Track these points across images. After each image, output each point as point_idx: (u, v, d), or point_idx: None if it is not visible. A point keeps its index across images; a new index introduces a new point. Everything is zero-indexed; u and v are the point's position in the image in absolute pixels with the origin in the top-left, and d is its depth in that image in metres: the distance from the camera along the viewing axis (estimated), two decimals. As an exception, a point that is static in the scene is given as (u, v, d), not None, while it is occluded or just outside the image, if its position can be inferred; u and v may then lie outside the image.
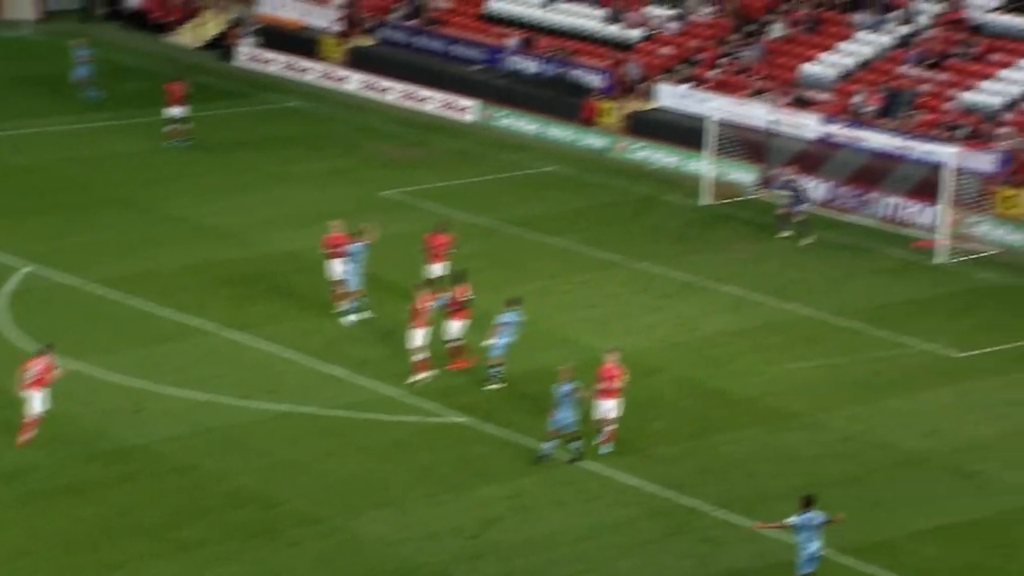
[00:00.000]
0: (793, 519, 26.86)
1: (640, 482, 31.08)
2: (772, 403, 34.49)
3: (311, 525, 29.24)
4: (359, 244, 38.21)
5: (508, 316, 34.93)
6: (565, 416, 31.14)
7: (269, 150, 51.44)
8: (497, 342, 34.67)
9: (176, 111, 51.22)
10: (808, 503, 26.96)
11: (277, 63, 59.90)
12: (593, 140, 52.51)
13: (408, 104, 56.41)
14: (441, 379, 34.84)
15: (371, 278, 39.13)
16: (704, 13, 55.67)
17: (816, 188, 46.98)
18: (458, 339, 35.40)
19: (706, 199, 47.18)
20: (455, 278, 36.57)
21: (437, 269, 39.08)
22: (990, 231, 44.10)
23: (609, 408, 31.62)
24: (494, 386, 34.63)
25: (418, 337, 34.58)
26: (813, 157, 47.68)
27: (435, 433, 32.91)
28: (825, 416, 33.94)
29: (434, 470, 31.32)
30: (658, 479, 31.13)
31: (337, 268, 38.19)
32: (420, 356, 34.61)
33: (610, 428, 31.78)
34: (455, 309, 35.34)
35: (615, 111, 53.38)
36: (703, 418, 33.84)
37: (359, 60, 59.19)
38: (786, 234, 44.42)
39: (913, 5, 52.18)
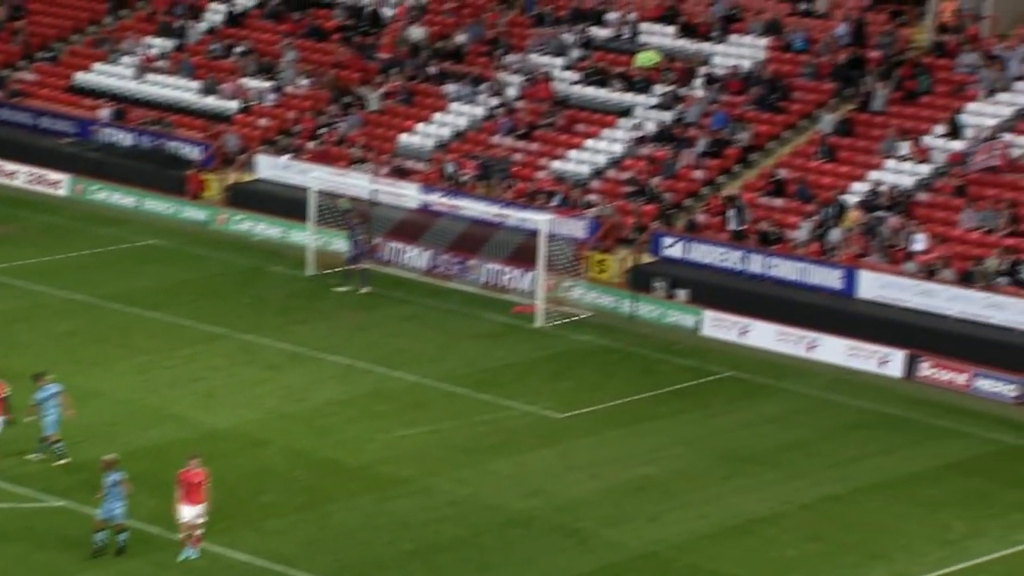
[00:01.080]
0: None
1: (250, 557, 30.86)
2: (382, 470, 34.84)
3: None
4: None
5: (47, 389, 33.91)
6: (112, 507, 30.30)
7: None
8: (45, 419, 33.71)
9: None
10: None
11: None
12: (194, 212, 52.08)
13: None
14: (35, 463, 33.73)
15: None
16: (300, 85, 56.08)
17: (419, 256, 47.90)
18: None
19: (311, 269, 47.40)
20: None
21: None
22: (584, 295, 45.76)
23: (195, 514, 30.47)
24: (62, 462, 33.75)
25: None
26: (413, 226, 48.56)
27: (33, 519, 31.86)
28: (434, 481, 34.48)
29: (33, 557, 30.33)
30: (268, 553, 30.98)
31: None
32: None
33: (197, 533, 30.60)
34: None
35: (215, 183, 53.13)
36: (314, 489, 33.89)
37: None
38: (345, 288, 45.45)
39: (503, 77, 53.88)
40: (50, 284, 45.35)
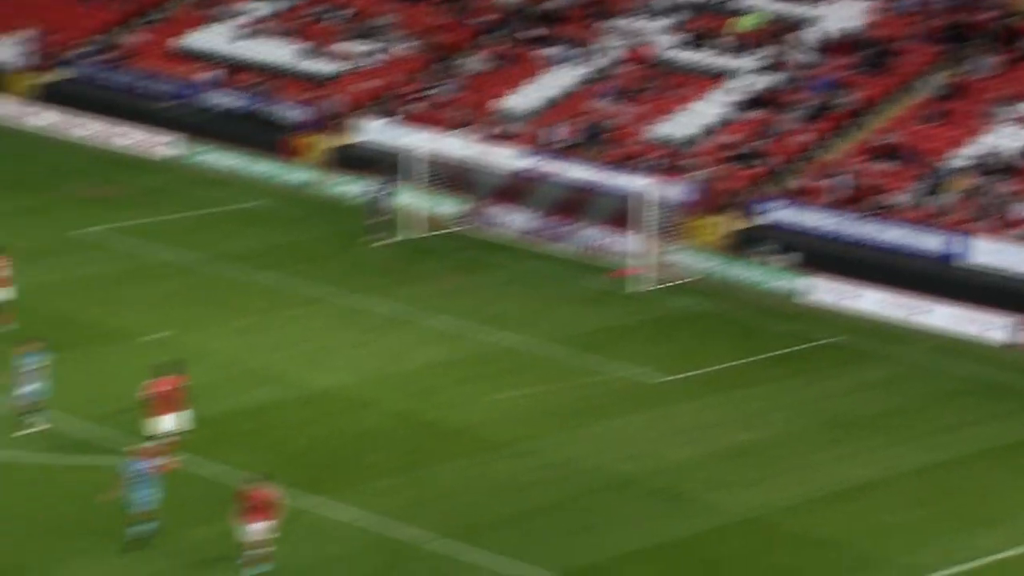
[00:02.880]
0: None
1: (356, 516, 31.06)
2: (482, 433, 34.91)
3: (17, 574, 28.36)
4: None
5: (29, 360, 33.62)
6: (144, 495, 29.39)
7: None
8: (24, 389, 33.41)
9: None
10: None
11: (-37, 99, 58.11)
12: (296, 175, 52.37)
13: (103, 140, 55.33)
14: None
15: (66, 319, 38.49)
16: (403, 47, 56.16)
17: (519, 220, 47.89)
18: (172, 434, 32.59)
19: (413, 233, 47.52)
20: (171, 367, 33.45)
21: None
22: (684, 259, 45.51)
23: (257, 530, 28.87)
24: (29, 431, 33.34)
25: None
26: (514, 189, 48.54)
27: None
28: (533, 444, 34.51)
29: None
30: (374, 513, 31.15)
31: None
32: None
33: (259, 552, 28.90)
34: (166, 402, 32.60)
35: (318, 145, 53.38)
36: (415, 450, 34.03)
37: (50, 96, 57.82)
38: (382, 241, 45.84)
39: (605, 40, 53.62)
40: (154, 245, 45.81)
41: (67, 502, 31.02)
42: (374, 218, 46.74)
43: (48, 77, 58.68)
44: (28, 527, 30.00)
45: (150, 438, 32.31)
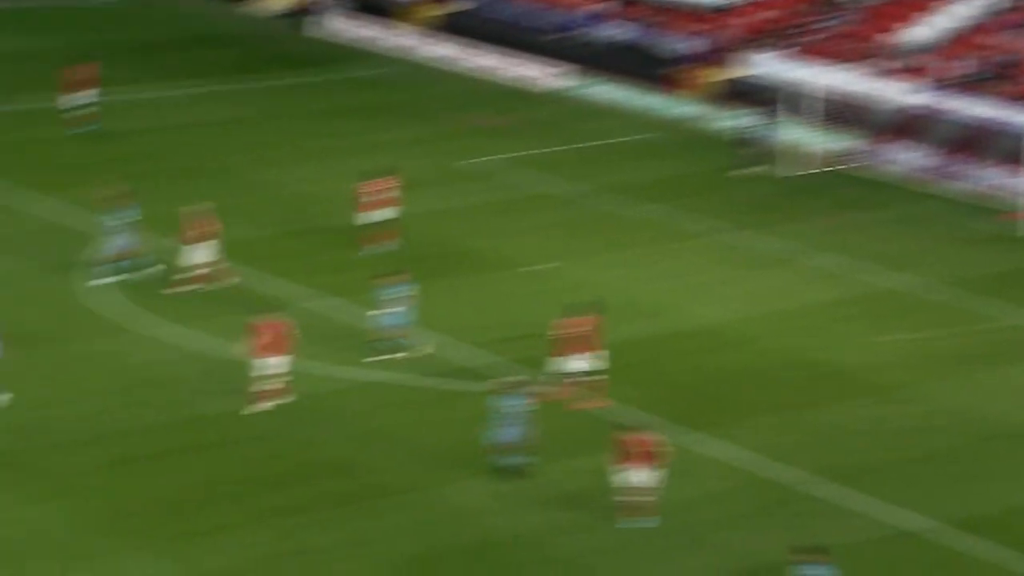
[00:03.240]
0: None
1: (732, 455, 30.59)
2: (865, 376, 33.92)
3: (401, 494, 29.04)
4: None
5: (393, 290, 33.78)
6: (510, 432, 29.29)
7: (355, 119, 51.30)
8: (380, 314, 33.67)
9: (80, 97, 48.03)
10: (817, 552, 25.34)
11: (363, 31, 59.76)
12: (682, 108, 51.91)
13: (495, 72, 56.07)
14: (535, 349, 34.06)
15: (451, 246, 38.81)
16: (795, -21, 54.93)
17: (910, 157, 46.32)
18: (581, 373, 32.23)
19: (799, 169, 46.52)
20: (587, 307, 33.06)
21: (377, 216, 39.24)
22: (1089, 202, 43.19)
23: (640, 479, 28.04)
24: (380, 357, 33.56)
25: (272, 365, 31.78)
26: (907, 125, 46.95)
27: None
28: (920, 389, 33.35)
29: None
30: (751, 451, 30.65)
31: (375, 216, 39.56)
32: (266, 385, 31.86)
33: (638, 500, 28.10)
34: (577, 342, 32.10)
35: (706, 79, 52.76)
36: (795, 390, 33.33)
37: (445, 27, 58.93)
38: (756, 169, 45.18)
39: (1010, -29, 51.28)
40: (539, 177, 46.15)
41: (446, 426, 31.54)
42: (744, 149, 45.92)
43: (445, 9, 59.76)
44: (410, 449, 30.62)
45: (555, 376, 32.39)
